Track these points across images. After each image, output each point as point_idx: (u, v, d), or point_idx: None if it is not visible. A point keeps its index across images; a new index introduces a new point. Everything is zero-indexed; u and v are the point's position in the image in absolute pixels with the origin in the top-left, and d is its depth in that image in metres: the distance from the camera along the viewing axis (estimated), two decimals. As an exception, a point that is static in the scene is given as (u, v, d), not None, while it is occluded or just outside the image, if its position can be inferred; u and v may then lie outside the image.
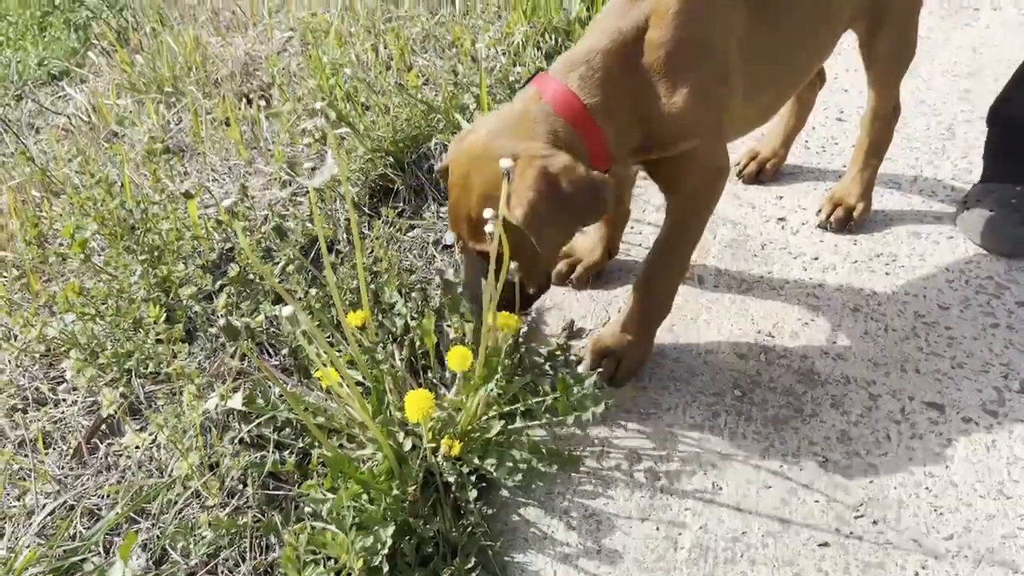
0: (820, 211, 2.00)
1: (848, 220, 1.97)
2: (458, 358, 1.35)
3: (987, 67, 2.44)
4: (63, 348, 1.67)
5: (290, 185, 2.04)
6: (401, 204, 2.02)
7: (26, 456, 1.49)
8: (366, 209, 1.99)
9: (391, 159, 2.03)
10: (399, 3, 2.60)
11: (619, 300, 1.81)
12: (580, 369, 1.61)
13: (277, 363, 1.67)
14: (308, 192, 2.02)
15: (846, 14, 1.71)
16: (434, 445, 1.37)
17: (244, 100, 2.64)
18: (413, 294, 1.73)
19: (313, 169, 1.50)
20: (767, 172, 2.11)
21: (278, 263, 1.79)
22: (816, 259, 1.89)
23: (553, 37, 2.43)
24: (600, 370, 1.57)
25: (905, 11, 1.82)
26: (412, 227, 1.97)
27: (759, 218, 2.02)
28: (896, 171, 2.15)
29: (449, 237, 1.91)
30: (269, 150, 2.24)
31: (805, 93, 2.04)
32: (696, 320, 1.76)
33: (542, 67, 2.30)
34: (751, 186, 2.11)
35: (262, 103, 2.58)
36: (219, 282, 1.78)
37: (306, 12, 2.92)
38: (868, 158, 1.95)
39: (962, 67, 2.44)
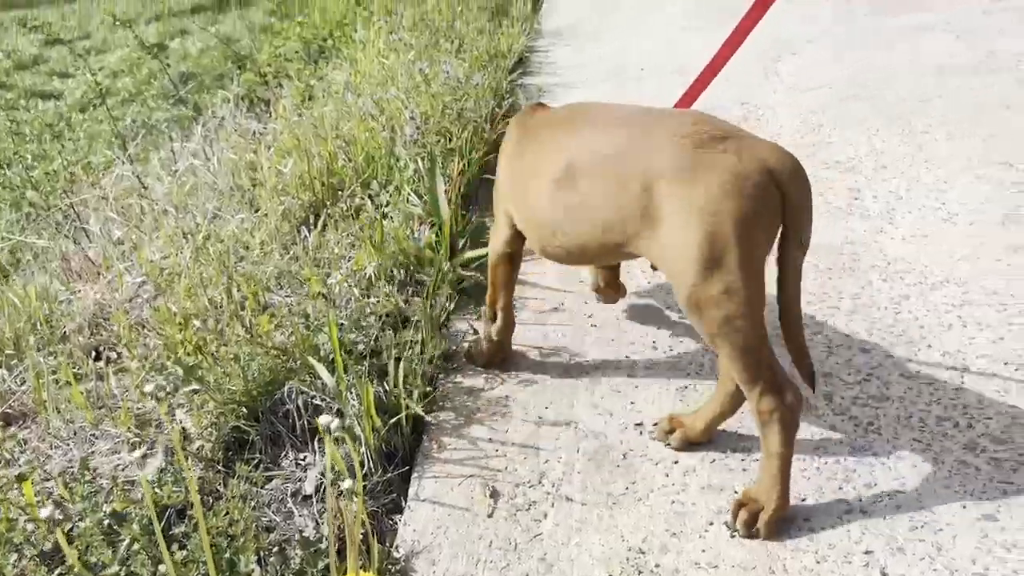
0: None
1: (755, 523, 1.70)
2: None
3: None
4: None
5: (139, 448, 1.95)
6: (257, 455, 1.96)
7: None
8: (220, 466, 1.91)
9: (244, 409, 1.98)
10: (250, 246, 2.64)
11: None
12: None
13: (123, 658, 1.52)
14: (159, 453, 1.93)
15: (616, 231, 1.69)
16: None
17: (93, 354, 2.56)
18: (271, 557, 1.65)
19: (144, 457, 1.45)
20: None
21: (123, 540, 1.67)
22: (676, 463, 1.93)
23: (402, 270, 2.49)
24: None
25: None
26: (270, 479, 1.90)
27: (618, 426, 2.06)
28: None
29: (308, 486, 1.85)
30: (118, 407, 2.15)
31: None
32: (568, 544, 1.74)
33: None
34: (606, 393, 2.17)
35: (112, 355, 2.50)
36: (57, 570, 1.64)
37: (158, 256, 2.92)
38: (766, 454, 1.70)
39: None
